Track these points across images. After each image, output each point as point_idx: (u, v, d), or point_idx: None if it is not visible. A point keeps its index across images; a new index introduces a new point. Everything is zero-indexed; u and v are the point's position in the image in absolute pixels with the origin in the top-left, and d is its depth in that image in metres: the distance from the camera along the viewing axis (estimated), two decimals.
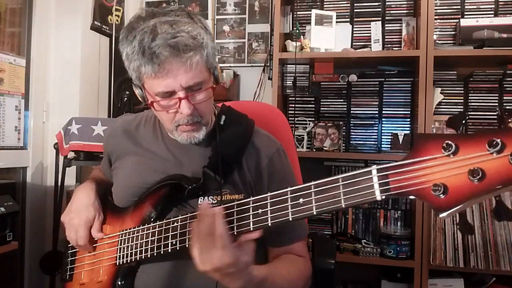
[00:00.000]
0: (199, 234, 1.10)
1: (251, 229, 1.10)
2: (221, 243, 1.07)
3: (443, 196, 0.78)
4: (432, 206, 0.80)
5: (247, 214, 1.11)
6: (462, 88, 2.94)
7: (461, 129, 0.80)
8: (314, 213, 0.98)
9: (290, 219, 1.02)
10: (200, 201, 1.40)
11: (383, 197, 0.86)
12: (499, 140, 0.73)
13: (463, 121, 0.79)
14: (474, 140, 0.76)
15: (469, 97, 2.92)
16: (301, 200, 1.00)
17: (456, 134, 0.79)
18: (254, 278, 1.18)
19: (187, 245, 1.22)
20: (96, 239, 1.50)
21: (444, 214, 0.78)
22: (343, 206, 0.93)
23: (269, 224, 1.06)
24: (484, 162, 0.74)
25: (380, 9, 3.11)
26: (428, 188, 0.80)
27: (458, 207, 0.77)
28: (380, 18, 3.10)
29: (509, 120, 2.62)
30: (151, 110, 1.61)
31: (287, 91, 3.24)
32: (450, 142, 0.77)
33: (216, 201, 1.39)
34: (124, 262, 1.40)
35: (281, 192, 1.05)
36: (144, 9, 1.36)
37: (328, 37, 3.02)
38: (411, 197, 0.82)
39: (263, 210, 1.07)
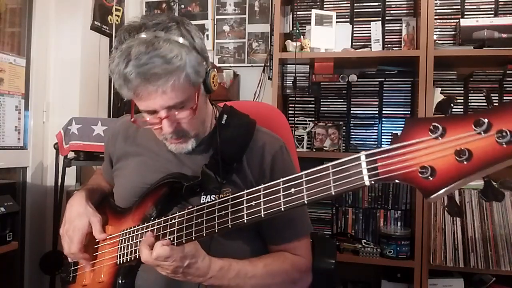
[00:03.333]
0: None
1: (245, 221, 1.10)
2: (160, 254, 1.19)
3: (431, 179, 0.77)
4: (420, 189, 0.79)
5: (241, 207, 1.11)
6: (462, 88, 2.93)
7: (450, 113, 0.79)
8: (305, 202, 0.98)
9: (282, 209, 1.02)
10: (202, 199, 1.41)
11: (372, 182, 0.86)
12: (485, 119, 0.72)
13: (451, 105, 0.78)
14: (461, 121, 0.75)
15: (469, 97, 2.91)
16: (292, 190, 1.00)
17: (443, 116, 0.79)
18: (210, 268, 1.29)
19: (184, 241, 1.22)
20: (97, 240, 1.50)
21: (432, 196, 0.77)
22: (333, 193, 0.92)
23: (262, 216, 1.06)
24: (470, 142, 0.74)
25: (380, 9, 3.11)
26: (415, 171, 0.79)
27: (446, 189, 0.76)
28: (380, 18, 3.09)
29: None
30: None
31: (287, 91, 3.24)
32: (436, 125, 0.77)
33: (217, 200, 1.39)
34: (124, 261, 1.40)
35: (273, 183, 1.05)
36: (134, 20, 1.34)
37: (328, 37, 3.02)
38: (397, 181, 0.82)
39: (256, 202, 1.07)
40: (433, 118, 0.78)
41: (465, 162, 0.74)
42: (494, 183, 0.78)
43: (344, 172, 0.91)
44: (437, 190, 0.77)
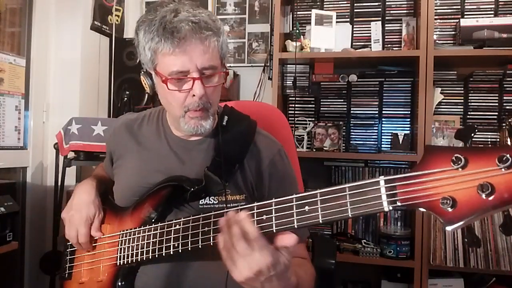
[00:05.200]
0: (230, 243, 1.04)
1: None
2: (258, 245, 1.01)
3: (451, 210, 0.78)
4: (440, 219, 0.79)
5: (251, 220, 1.09)
6: (462, 88, 2.94)
7: (470, 142, 0.80)
8: (320, 221, 0.97)
9: (296, 226, 1.01)
10: (201, 202, 1.40)
11: (391, 208, 0.86)
12: (509, 155, 0.73)
13: (472, 134, 0.79)
14: (484, 155, 0.76)
15: (469, 97, 2.92)
16: (306, 208, 0.99)
17: (466, 147, 0.79)
18: (291, 283, 1.14)
19: (189, 248, 1.22)
20: (95, 238, 1.49)
21: (452, 227, 0.78)
22: (350, 215, 0.92)
23: (274, 231, 1.05)
24: (493, 177, 0.74)
25: (380, 9, 3.11)
26: (436, 201, 0.80)
27: (466, 220, 0.77)
28: (380, 18, 3.10)
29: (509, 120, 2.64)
30: (153, 108, 1.64)
31: (287, 91, 3.24)
32: (459, 156, 0.77)
33: (217, 201, 1.39)
34: (125, 262, 1.40)
35: (286, 198, 1.04)
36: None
37: (328, 37, 3.02)
38: (421, 209, 0.82)
39: (267, 216, 1.06)
40: (455, 148, 0.78)
41: (486, 197, 0.75)
42: None
43: (362, 195, 0.91)
44: (458, 221, 0.77)
